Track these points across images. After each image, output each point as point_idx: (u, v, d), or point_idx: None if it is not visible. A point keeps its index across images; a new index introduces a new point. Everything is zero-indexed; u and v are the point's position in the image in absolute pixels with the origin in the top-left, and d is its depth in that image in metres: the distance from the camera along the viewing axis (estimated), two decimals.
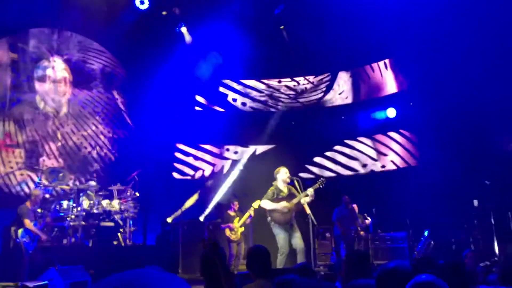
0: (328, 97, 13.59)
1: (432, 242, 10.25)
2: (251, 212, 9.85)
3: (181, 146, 13.21)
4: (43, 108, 11.74)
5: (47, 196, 10.02)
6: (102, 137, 12.43)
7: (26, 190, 11.00)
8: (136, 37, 11.79)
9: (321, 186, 8.10)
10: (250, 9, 11.20)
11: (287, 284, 2.98)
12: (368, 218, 10.80)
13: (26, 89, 11.54)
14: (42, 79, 11.75)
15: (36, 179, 10.30)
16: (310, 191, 7.97)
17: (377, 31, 11.24)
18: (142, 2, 11.35)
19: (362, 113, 12.97)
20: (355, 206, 10.84)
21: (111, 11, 11.46)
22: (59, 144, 11.85)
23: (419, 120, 11.96)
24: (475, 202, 10.36)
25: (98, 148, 12.31)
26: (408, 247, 10.37)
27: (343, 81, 13.51)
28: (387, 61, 12.87)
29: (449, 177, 10.48)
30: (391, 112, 12.73)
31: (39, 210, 9.28)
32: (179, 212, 10.90)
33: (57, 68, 11.94)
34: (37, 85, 11.69)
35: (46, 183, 10.12)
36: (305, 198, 7.95)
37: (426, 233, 10.40)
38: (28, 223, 8.36)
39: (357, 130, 13.06)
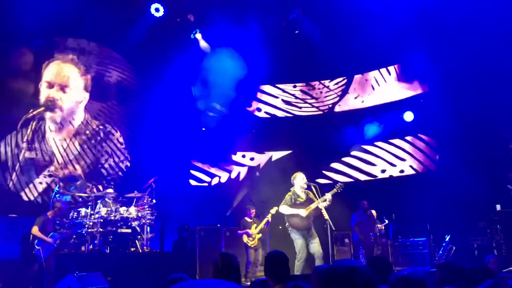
0: (344, 101, 13.47)
1: (453, 247, 10.06)
2: (268, 218, 9.81)
3: (197, 153, 13.21)
4: (60, 116, 11.85)
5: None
6: (118, 144, 12.50)
7: (45, 198, 11.10)
8: (151, 44, 11.86)
9: (339, 191, 8.03)
10: (265, 15, 11.20)
11: None
12: (386, 220, 10.68)
13: (44, 97, 11.66)
14: (61, 87, 11.86)
15: (55, 187, 10.39)
16: (328, 196, 7.91)
17: (394, 34, 11.13)
18: (157, 10, 11.42)
19: (379, 117, 12.81)
20: (373, 211, 10.71)
21: (126, 19, 11.55)
22: (77, 152, 11.95)
23: (438, 124, 11.78)
24: (498, 207, 10.15)
25: (115, 155, 12.38)
26: (429, 253, 10.19)
27: (359, 84, 13.38)
28: (400, 66, 12.74)
29: (471, 181, 10.27)
30: (409, 116, 12.57)
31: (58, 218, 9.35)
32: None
33: (74, 75, 12.05)
34: (55, 93, 11.80)
35: (64, 191, 10.21)
36: (323, 203, 7.89)
37: (447, 238, 10.21)
38: (34, 230, 8.46)
39: (374, 134, 12.89)
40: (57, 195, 9.90)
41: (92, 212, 9.45)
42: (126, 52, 12.19)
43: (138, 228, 9.75)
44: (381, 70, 13.07)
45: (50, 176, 11.31)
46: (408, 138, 12.73)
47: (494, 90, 10.41)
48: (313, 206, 7.93)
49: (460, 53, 10.76)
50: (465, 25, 10.34)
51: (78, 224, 9.30)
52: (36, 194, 11.29)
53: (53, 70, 11.82)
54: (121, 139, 12.54)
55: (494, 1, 9.91)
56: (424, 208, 10.52)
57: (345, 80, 13.42)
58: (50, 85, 11.74)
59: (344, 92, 13.44)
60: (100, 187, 11.39)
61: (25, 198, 11.20)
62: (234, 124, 12.75)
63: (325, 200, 7.91)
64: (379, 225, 10.68)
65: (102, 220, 9.34)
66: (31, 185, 11.34)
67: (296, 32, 12.26)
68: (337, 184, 8.22)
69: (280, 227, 9.79)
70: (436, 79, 11.82)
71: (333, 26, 11.75)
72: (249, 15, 11.09)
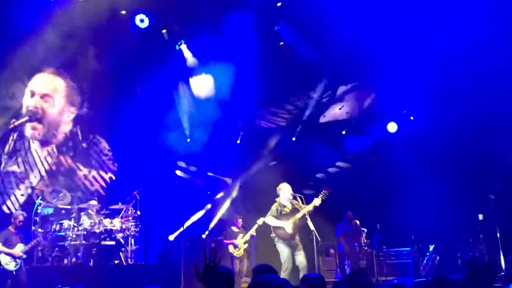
0: (328, 112, 13.55)
1: (437, 257, 10.15)
2: (253, 232, 9.78)
3: (182, 164, 13.13)
4: (42, 128, 11.67)
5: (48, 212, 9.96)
6: (103, 156, 12.38)
7: (28, 210, 10.91)
8: (136, 55, 11.81)
9: (323, 198, 8.07)
10: (251, 26, 11.26)
11: None
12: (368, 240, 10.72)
13: (26, 107, 11.48)
14: (43, 97, 11.68)
15: (37, 199, 10.21)
16: (312, 205, 7.96)
17: (378, 45, 11.27)
18: (142, 21, 11.41)
19: (363, 127, 12.92)
20: (356, 221, 10.76)
21: (111, 30, 11.50)
22: (60, 163, 11.79)
23: (423, 134, 11.92)
24: (480, 216, 10.30)
25: (99, 167, 12.24)
26: (413, 263, 10.25)
27: (344, 95, 13.47)
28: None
29: (454, 191, 10.41)
30: (392, 127, 12.71)
31: (40, 230, 9.20)
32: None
33: (59, 86, 11.89)
34: (36, 103, 11.60)
35: (47, 202, 10.07)
36: (308, 207, 7.92)
37: (431, 248, 10.30)
38: None
39: (358, 145, 12.97)
40: (39, 207, 9.76)
41: (75, 224, 9.33)
42: (114, 62, 12.07)
43: (122, 240, 9.65)
44: (367, 81, 13.16)
45: (32, 188, 11.14)
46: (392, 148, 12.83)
47: (478, 100, 10.62)
48: (298, 215, 7.95)
49: (444, 63, 10.93)
50: (449, 35, 10.54)
51: (61, 236, 9.18)
52: (17, 206, 11.09)
53: (38, 80, 11.66)
54: (106, 151, 12.41)
55: (477, 13, 10.12)
56: (408, 218, 10.62)
57: (330, 91, 13.48)
58: (32, 94, 11.56)
59: (329, 103, 13.51)
60: (84, 199, 11.23)
61: (7, 211, 10.99)
62: (220, 135, 12.73)
63: (309, 210, 7.96)
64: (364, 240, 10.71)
65: (85, 232, 9.23)
66: (12, 197, 11.15)
67: (281, 43, 12.33)
68: (322, 192, 8.25)
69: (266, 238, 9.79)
70: (419, 90, 11.98)
71: (318, 37, 11.84)
72: (235, 27, 11.14)
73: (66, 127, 12.03)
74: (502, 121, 10.58)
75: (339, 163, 13.28)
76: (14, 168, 11.31)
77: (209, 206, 12.27)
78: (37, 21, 10.43)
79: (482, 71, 10.40)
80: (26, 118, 11.28)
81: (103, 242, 9.41)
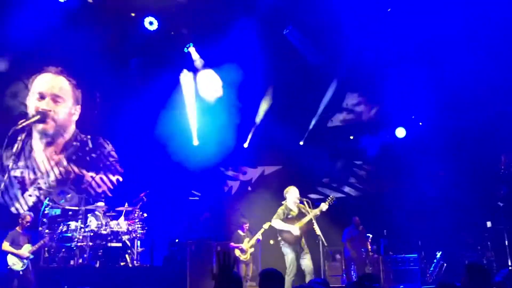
0: (336, 117, 13.52)
1: (444, 264, 10.06)
2: (259, 236, 9.75)
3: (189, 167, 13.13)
4: (53, 128, 11.73)
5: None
6: (110, 158, 12.41)
7: (35, 211, 10.96)
8: (144, 57, 11.88)
9: (330, 204, 8.02)
10: (259, 29, 11.28)
11: None
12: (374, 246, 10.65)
13: (34, 109, 11.53)
14: (53, 98, 11.73)
15: (45, 200, 10.26)
16: (318, 210, 7.91)
17: (385, 49, 11.24)
18: (151, 23, 11.47)
19: (371, 133, 12.87)
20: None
21: (120, 33, 11.56)
22: (67, 164, 11.83)
23: (430, 140, 11.85)
24: (489, 224, 10.22)
25: (106, 169, 12.28)
26: (420, 269, 10.17)
27: (352, 101, 13.45)
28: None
29: (462, 198, 10.33)
30: (401, 132, 12.64)
31: (47, 231, 9.24)
32: None
33: (66, 87, 11.94)
34: (46, 105, 11.66)
35: (54, 204, 10.11)
36: (315, 212, 7.87)
37: (438, 255, 10.22)
38: (4, 246, 8.40)
39: (366, 150, 12.93)
40: (46, 208, 9.79)
41: (82, 225, 9.36)
42: (120, 64, 12.11)
43: (128, 242, 9.66)
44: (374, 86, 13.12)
45: (39, 189, 11.19)
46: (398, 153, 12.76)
47: (486, 106, 10.54)
48: (305, 220, 7.90)
49: (450, 69, 10.88)
50: (453, 39, 10.50)
51: (68, 237, 9.21)
52: (26, 207, 11.15)
53: (44, 82, 11.70)
54: (113, 153, 12.44)
55: (480, 15, 10.08)
56: (416, 224, 10.56)
57: (338, 97, 13.44)
58: (42, 97, 11.59)
59: (337, 108, 13.47)
60: (91, 200, 11.27)
61: (14, 211, 11.05)
62: (227, 138, 12.74)
63: (316, 214, 7.91)
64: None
65: (92, 234, 9.25)
66: (20, 199, 11.20)
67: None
68: (329, 197, 8.20)
69: (272, 242, 9.77)
70: (427, 96, 11.93)
71: (326, 43, 11.82)
72: (242, 30, 11.17)
73: (72, 127, 12.05)
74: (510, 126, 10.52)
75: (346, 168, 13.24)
76: (22, 168, 11.36)
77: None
78: (41, 20, 10.50)
79: (488, 74, 10.33)
80: (36, 118, 11.30)
81: (109, 244, 9.43)
